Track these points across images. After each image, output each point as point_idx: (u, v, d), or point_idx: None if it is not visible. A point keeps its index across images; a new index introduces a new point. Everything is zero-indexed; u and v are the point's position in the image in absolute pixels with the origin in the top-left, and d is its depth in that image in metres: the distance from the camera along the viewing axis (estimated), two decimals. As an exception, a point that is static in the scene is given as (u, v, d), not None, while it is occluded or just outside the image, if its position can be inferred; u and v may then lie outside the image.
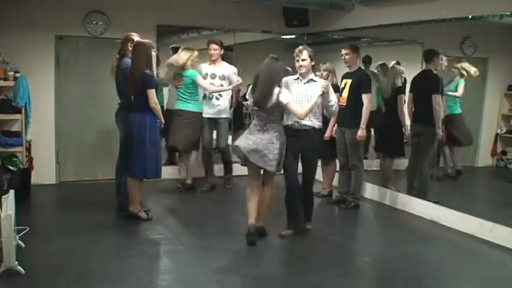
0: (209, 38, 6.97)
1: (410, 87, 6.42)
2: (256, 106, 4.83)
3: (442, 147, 6.82)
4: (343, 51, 6.04)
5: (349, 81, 5.99)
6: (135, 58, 5.16)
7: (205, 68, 6.67)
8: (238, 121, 8.52)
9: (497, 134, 7.54)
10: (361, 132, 5.88)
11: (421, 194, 6.13)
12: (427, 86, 6.06)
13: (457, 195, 6.50)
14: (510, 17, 5.09)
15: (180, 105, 6.50)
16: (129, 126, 5.27)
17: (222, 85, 6.62)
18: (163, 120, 5.35)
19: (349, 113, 5.91)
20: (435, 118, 5.97)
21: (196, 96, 6.54)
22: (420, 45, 6.87)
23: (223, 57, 6.82)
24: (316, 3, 7.10)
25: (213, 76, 6.63)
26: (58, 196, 6.71)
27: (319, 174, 6.72)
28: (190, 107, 6.48)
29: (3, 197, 4.29)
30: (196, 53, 6.49)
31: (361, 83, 5.92)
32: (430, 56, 6.15)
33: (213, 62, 6.67)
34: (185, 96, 6.48)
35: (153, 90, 5.13)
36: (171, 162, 7.52)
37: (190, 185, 6.86)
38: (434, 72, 6.11)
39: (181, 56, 6.41)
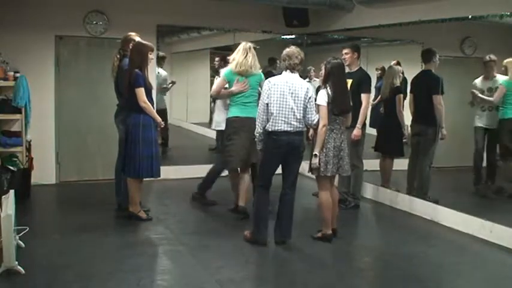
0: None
1: (411, 88, 6.42)
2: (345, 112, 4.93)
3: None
4: (344, 51, 6.03)
5: (350, 81, 5.98)
6: (131, 58, 5.20)
7: None
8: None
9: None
10: (356, 132, 5.88)
11: (421, 194, 6.13)
12: (427, 86, 6.06)
13: (457, 195, 6.49)
14: (510, 17, 5.09)
15: (247, 113, 5.47)
16: (125, 126, 5.31)
17: None
18: (159, 120, 5.34)
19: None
20: (438, 118, 5.97)
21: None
22: (420, 45, 6.86)
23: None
24: (316, 3, 7.09)
25: None
26: (58, 196, 6.71)
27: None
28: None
29: (3, 197, 4.29)
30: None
31: (361, 83, 5.92)
32: (428, 56, 6.14)
33: None
34: (252, 102, 5.53)
35: (142, 89, 5.11)
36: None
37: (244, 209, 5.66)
38: (433, 72, 6.11)
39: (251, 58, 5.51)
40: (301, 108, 4.67)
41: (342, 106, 4.84)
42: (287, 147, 4.68)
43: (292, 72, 4.73)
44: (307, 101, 4.68)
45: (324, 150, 4.80)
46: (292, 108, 4.64)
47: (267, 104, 4.66)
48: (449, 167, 7.45)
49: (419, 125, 6.17)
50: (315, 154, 4.79)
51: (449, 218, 5.62)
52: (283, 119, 4.63)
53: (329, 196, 4.93)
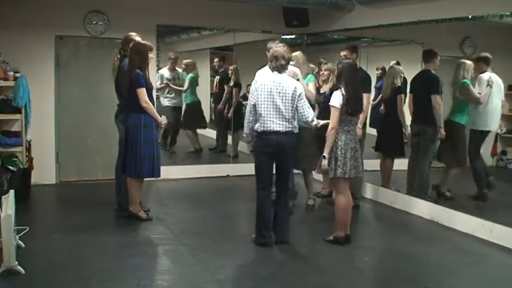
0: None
1: (410, 88, 6.42)
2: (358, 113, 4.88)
3: None
4: (342, 53, 6.03)
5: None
6: (130, 58, 5.20)
7: None
8: (238, 121, 8.54)
9: (497, 134, 7.53)
10: (358, 132, 5.85)
11: (421, 194, 6.14)
12: (426, 86, 6.06)
13: (457, 195, 6.49)
14: (510, 17, 5.09)
15: None
16: (126, 126, 5.31)
17: None
18: (159, 120, 5.35)
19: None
20: (436, 118, 5.98)
21: None
22: (420, 45, 6.86)
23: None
24: (316, 3, 7.10)
25: None
26: (58, 196, 6.71)
27: (319, 175, 6.73)
28: None
29: (3, 197, 4.29)
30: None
31: (360, 82, 5.90)
32: (429, 56, 6.14)
33: None
34: None
35: (143, 89, 5.11)
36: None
37: None
38: (433, 72, 6.11)
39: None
40: (290, 108, 4.61)
41: (357, 105, 4.78)
42: (276, 147, 4.63)
43: (281, 72, 4.67)
44: (296, 100, 4.61)
45: (342, 152, 4.71)
46: (279, 108, 4.59)
47: (254, 104, 4.64)
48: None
49: (418, 124, 6.17)
50: (324, 156, 4.73)
51: (450, 218, 5.62)
52: (271, 119, 4.59)
53: (347, 198, 4.84)
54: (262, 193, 4.77)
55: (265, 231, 4.76)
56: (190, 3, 7.28)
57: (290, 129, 4.66)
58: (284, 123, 4.62)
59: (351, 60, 5.12)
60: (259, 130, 4.66)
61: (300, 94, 4.63)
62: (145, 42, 5.30)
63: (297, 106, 4.64)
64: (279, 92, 4.60)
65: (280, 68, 4.66)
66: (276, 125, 4.60)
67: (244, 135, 4.86)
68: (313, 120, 4.74)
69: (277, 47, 4.72)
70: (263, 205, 4.77)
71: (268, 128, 4.61)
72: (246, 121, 4.78)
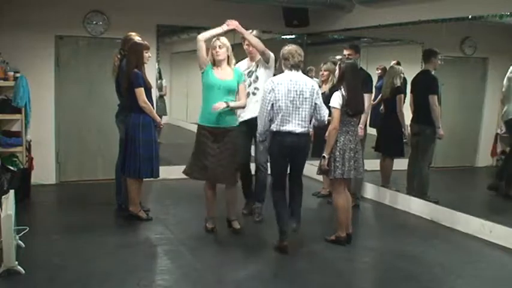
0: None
1: (411, 88, 6.43)
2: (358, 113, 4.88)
3: None
4: (346, 52, 6.02)
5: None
6: (128, 58, 5.20)
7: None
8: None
9: (497, 134, 7.53)
10: (360, 132, 5.86)
11: (421, 194, 6.14)
12: (425, 86, 6.06)
13: (457, 195, 6.49)
14: (510, 17, 5.09)
15: None
16: (125, 126, 5.31)
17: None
18: (158, 120, 5.34)
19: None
20: (433, 118, 5.98)
21: None
22: (420, 45, 6.87)
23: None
24: (316, 3, 7.10)
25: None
26: (58, 196, 6.70)
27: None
28: None
29: (3, 197, 4.29)
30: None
31: (362, 83, 5.90)
32: (429, 55, 6.15)
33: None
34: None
35: (141, 89, 5.11)
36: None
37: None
38: (432, 72, 6.12)
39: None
40: (307, 107, 4.57)
41: (357, 106, 4.77)
42: (291, 147, 4.59)
43: (296, 70, 4.63)
44: (314, 98, 4.59)
45: (340, 152, 4.71)
46: (298, 108, 4.54)
47: (272, 104, 4.55)
48: (449, 167, 7.47)
49: (418, 124, 6.18)
50: (323, 156, 4.72)
51: (449, 218, 5.62)
52: (288, 118, 4.54)
53: (344, 199, 4.84)
54: (277, 192, 4.74)
55: (285, 227, 4.68)
56: (190, 3, 7.28)
57: (305, 129, 4.62)
58: (301, 123, 4.57)
59: (353, 60, 5.10)
60: (274, 130, 4.60)
61: (317, 91, 4.62)
62: (142, 41, 5.30)
63: (315, 104, 4.62)
64: (296, 91, 4.55)
65: (299, 64, 4.63)
66: (292, 125, 4.56)
67: (258, 135, 4.77)
68: (325, 120, 4.73)
69: (288, 46, 4.69)
70: (279, 205, 4.72)
71: (284, 129, 4.56)
72: (261, 121, 4.66)
